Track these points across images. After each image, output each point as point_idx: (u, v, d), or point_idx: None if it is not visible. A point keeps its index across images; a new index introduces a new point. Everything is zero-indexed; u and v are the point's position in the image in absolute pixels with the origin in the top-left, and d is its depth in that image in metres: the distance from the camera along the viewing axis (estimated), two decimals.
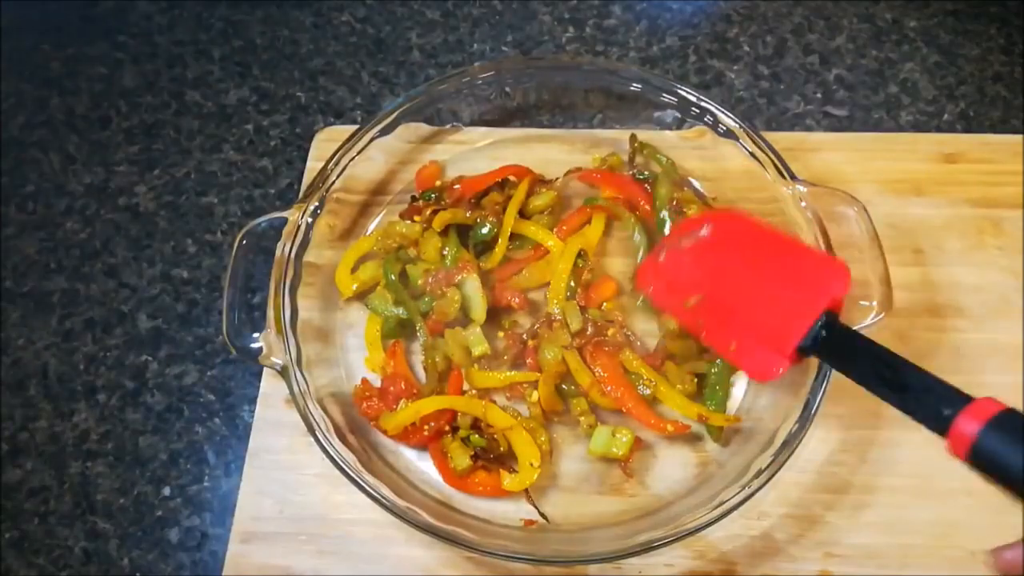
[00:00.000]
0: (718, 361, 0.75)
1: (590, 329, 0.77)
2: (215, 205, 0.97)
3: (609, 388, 0.74)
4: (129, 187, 0.98)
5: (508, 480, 0.72)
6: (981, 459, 0.44)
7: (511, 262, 0.83)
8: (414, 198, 0.85)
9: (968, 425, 0.44)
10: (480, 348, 0.76)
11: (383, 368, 0.79)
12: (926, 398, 0.50)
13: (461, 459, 0.72)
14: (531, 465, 0.71)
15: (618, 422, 0.75)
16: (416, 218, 0.83)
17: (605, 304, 0.80)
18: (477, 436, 0.73)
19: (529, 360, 0.76)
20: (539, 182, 0.87)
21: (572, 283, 0.80)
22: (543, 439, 0.73)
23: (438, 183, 0.87)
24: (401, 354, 0.79)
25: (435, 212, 0.82)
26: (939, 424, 0.47)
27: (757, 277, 0.67)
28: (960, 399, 0.47)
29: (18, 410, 0.84)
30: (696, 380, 0.75)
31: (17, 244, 0.95)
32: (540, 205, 0.84)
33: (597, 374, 0.75)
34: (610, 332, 0.77)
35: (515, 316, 0.81)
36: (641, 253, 0.81)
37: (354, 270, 0.83)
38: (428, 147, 0.90)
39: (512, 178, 0.85)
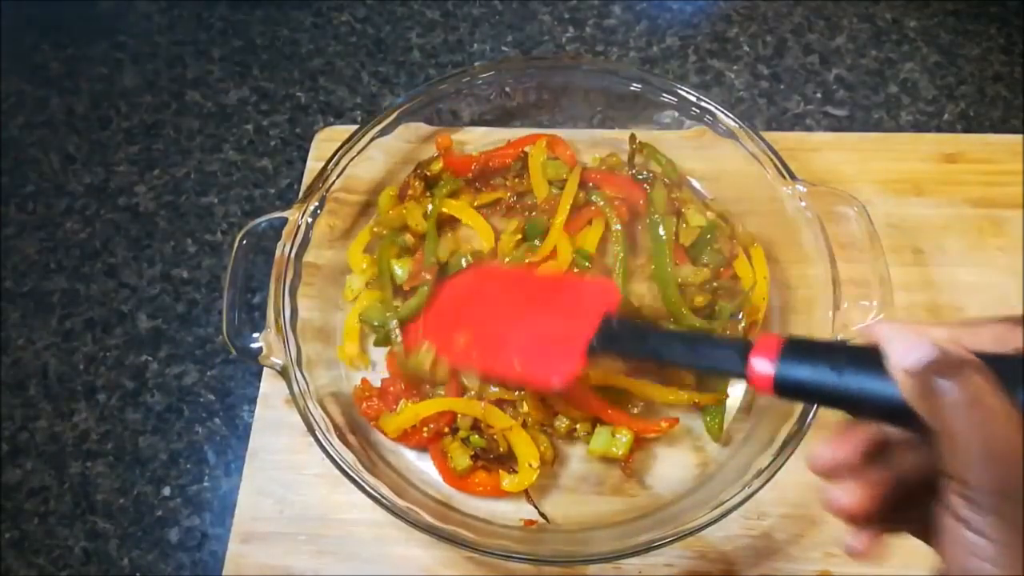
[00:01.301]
0: None
1: None
2: (215, 205, 0.97)
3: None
4: (129, 187, 0.98)
5: (507, 481, 0.72)
6: (787, 390, 0.46)
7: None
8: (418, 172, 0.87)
9: (761, 365, 0.46)
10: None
11: (353, 361, 0.80)
12: (718, 355, 0.53)
13: (461, 459, 0.72)
14: (530, 466, 0.71)
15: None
16: (410, 192, 0.85)
17: None
18: (477, 436, 0.73)
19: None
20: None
21: None
22: (545, 446, 0.73)
23: (437, 165, 0.88)
24: (395, 360, 0.79)
25: (427, 189, 0.85)
26: (737, 373, 0.49)
27: (530, 305, 0.71)
28: (745, 344, 0.49)
29: (18, 410, 0.84)
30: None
31: (17, 244, 0.95)
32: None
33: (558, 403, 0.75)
34: None
35: None
36: (618, 267, 0.81)
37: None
38: (428, 147, 0.90)
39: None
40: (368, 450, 0.74)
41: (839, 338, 0.69)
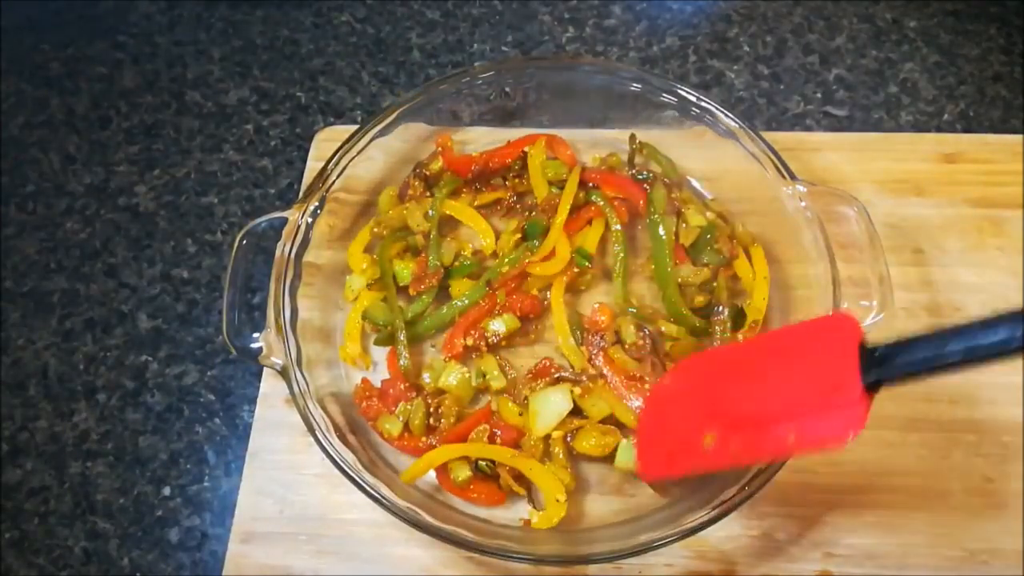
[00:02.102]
0: None
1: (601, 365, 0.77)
2: (215, 205, 0.97)
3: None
4: (129, 187, 0.98)
5: (536, 518, 0.70)
6: None
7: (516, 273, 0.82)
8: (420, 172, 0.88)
9: None
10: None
11: (355, 361, 0.80)
12: (1003, 333, 0.48)
13: (461, 472, 0.72)
14: (557, 501, 0.69)
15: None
16: (410, 192, 0.85)
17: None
18: (488, 464, 0.73)
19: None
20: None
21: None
22: (567, 478, 0.71)
23: (437, 165, 0.88)
24: (396, 360, 0.79)
25: (427, 188, 0.86)
26: None
27: (769, 372, 0.62)
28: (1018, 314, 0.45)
29: (18, 410, 0.84)
30: None
31: (17, 244, 0.95)
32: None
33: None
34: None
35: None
36: (618, 267, 0.81)
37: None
38: (428, 147, 0.90)
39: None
40: (368, 450, 0.74)
41: None
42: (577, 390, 0.74)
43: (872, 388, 0.54)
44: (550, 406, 0.73)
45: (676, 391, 0.69)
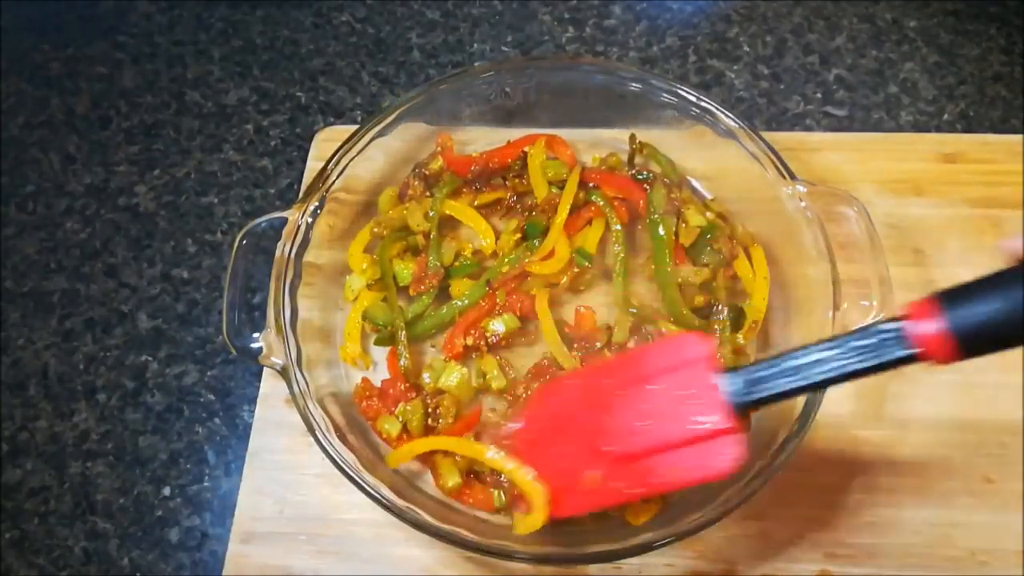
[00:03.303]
0: (719, 356, 0.75)
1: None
2: (215, 205, 0.97)
3: None
4: (129, 187, 0.98)
5: (521, 523, 0.67)
6: (971, 341, 0.42)
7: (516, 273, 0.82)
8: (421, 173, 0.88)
9: (928, 327, 0.42)
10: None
11: (355, 361, 0.80)
12: (874, 347, 0.47)
13: (451, 476, 0.72)
14: (541, 506, 0.65)
15: None
16: (410, 192, 0.86)
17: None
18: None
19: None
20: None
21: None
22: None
23: (436, 164, 0.88)
24: (396, 360, 0.79)
25: (427, 188, 0.86)
26: (907, 357, 0.44)
27: (631, 402, 0.58)
28: (895, 321, 0.44)
29: (18, 410, 0.84)
30: None
31: (17, 244, 0.95)
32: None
33: None
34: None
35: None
36: (618, 267, 0.81)
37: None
38: (428, 147, 0.90)
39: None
40: (368, 450, 0.74)
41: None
42: None
43: (742, 414, 0.53)
44: None
45: (542, 429, 0.65)
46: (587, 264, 0.81)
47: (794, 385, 0.52)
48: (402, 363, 0.78)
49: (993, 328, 0.41)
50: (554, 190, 0.85)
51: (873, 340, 0.47)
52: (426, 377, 0.77)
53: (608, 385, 0.61)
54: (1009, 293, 0.39)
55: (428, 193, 0.87)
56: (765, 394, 0.53)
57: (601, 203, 0.84)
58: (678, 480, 0.56)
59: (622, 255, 0.81)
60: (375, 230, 0.85)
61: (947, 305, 0.42)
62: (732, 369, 0.54)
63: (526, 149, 0.88)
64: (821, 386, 0.52)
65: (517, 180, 0.87)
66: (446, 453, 0.73)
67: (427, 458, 0.74)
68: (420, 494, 0.73)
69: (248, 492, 0.75)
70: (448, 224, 0.87)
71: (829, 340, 0.51)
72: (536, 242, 0.82)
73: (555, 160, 0.87)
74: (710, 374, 0.54)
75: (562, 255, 0.81)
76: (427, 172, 0.87)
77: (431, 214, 0.84)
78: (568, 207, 0.82)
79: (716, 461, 0.54)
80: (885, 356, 0.47)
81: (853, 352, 0.49)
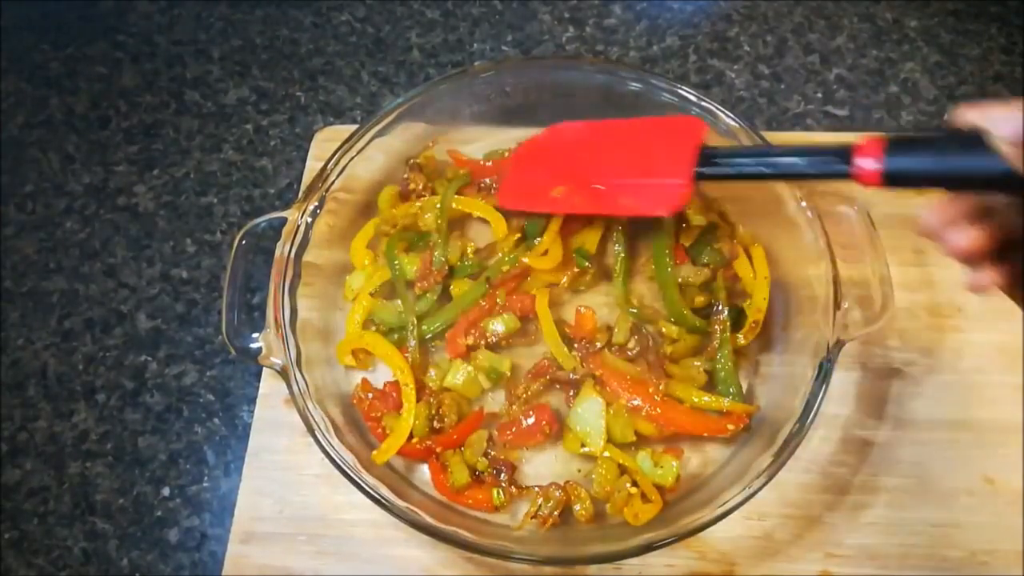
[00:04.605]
0: (719, 356, 0.75)
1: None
2: (215, 205, 0.96)
3: (658, 411, 0.73)
4: (128, 187, 0.98)
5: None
6: (895, 181, 0.52)
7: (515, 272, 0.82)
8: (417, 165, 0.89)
9: (868, 163, 0.52)
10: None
11: (347, 359, 0.80)
12: (824, 160, 0.58)
13: (461, 475, 0.72)
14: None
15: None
16: (412, 187, 0.86)
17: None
18: (483, 460, 0.73)
19: (544, 421, 0.75)
20: None
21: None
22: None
23: (428, 154, 0.89)
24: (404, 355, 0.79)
25: (428, 180, 0.86)
26: (844, 173, 0.55)
27: (618, 148, 0.75)
28: (849, 147, 0.54)
29: (18, 410, 0.84)
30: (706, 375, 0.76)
31: (17, 244, 0.95)
32: None
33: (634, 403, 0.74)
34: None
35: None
36: (619, 267, 0.81)
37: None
38: (428, 147, 0.90)
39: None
40: (368, 450, 0.74)
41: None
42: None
43: (697, 177, 0.67)
44: (591, 417, 0.73)
45: (544, 145, 0.82)
46: (587, 264, 0.81)
47: (750, 170, 0.66)
48: (408, 357, 0.77)
49: (914, 178, 0.51)
50: None
51: (825, 157, 0.58)
52: (432, 374, 0.77)
53: (607, 132, 0.78)
54: (938, 156, 0.49)
55: (429, 185, 0.87)
56: (724, 170, 0.67)
57: None
58: (627, 207, 0.73)
59: (623, 255, 0.81)
60: (382, 227, 0.85)
61: (890, 151, 0.51)
62: (706, 147, 0.68)
63: None
64: (772, 177, 0.70)
65: None
66: (455, 451, 0.74)
67: (428, 457, 0.74)
68: (420, 494, 0.73)
69: (248, 492, 0.75)
70: (453, 224, 0.86)
71: (790, 147, 0.64)
72: (536, 241, 0.82)
73: None
74: (693, 144, 0.68)
75: (555, 254, 0.81)
76: (420, 163, 0.87)
77: (438, 207, 0.83)
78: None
79: (660, 204, 0.69)
80: (828, 168, 0.58)
81: (806, 159, 0.60)
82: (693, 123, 0.73)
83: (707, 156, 0.67)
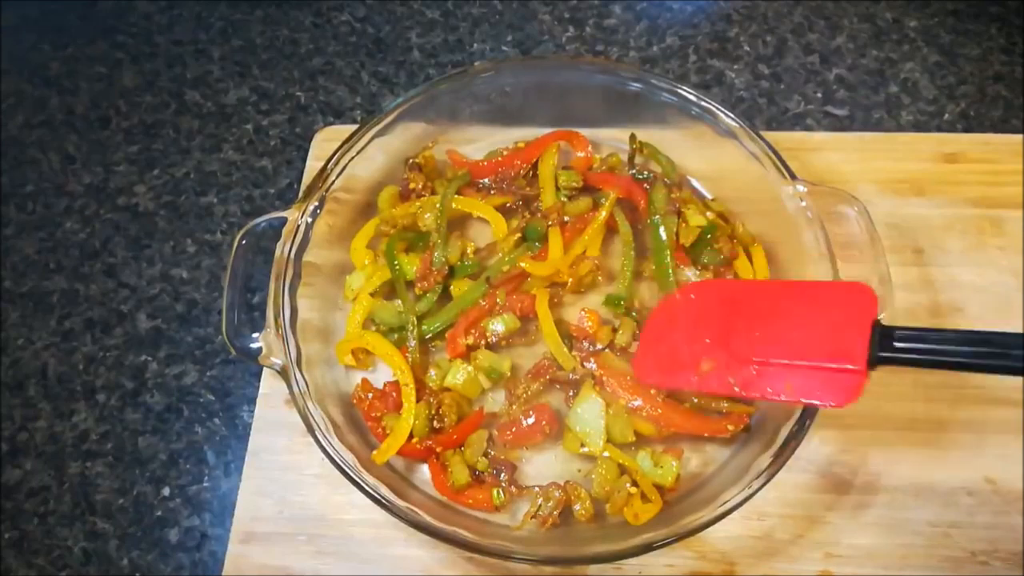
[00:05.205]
0: None
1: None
2: (215, 205, 0.97)
3: (658, 411, 0.73)
4: (129, 187, 0.98)
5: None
6: None
7: (515, 274, 0.82)
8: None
9: None
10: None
11: (346, 358, 0.79)
12: (1010, 351, 0.53)
13: (461, 475, 0.72)
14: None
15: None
16: (412, 186, 0.86)
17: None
18: (484, 460, 0.73)
19: (544, 421, 0.75)
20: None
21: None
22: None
23: (427, 153, 0.88)
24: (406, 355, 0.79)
25: (428, 180, 0.86)
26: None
27: (778, 315, 0.65)
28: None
29: (18, 410, 0.84)
30: None
31: (17, 244, 0.95)
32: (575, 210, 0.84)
33: (634, 405, 0.73)
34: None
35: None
36: (627, 271, 0.81)
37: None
38: (428, 147, 0.90)
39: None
40: (368, 450, 0.74)
41: None
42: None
43: (874, 363, 0.58)
44: (591, 417, 0.73)
45: (686, 309, 0.72)
46: (620, 308, 0.80)
47: (952, 360, 0.57)
48: (409, 357, 0.77)
49: None
50: (562, 197, 0.85)
51: (1013, 346, 0.53)
52: (432, 374, 0.77)
53: (762, 295, 0.69)
54: None
55: (429, 185, 0.87)
56: (912, 356, 0.58)
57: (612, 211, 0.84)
58: (790, 392, 0.62)
59: (632, 256, 0.81)
60: (382, 228, 0.85)
61: None
62: (883, 326, 0.59)
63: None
64: (950, 367, 0.58)
65: (525, 182, 0.87)
66: (455, 451, 0.74)
67: (428, 457, 0.74)
68: (420, 494, 0.73)
69: (248, 492, 0.75)
70: (453, 225, 0.87)
71: (981, 333, 0.57)
72: (537, 244, 0.82)
73: (570, 171, 0.86)
74: (865, 321, 0.59)
75: (554, 257, 0.81)
76: (420, 162, 0.87)
77: (438, 207, 0.84)
78: (562, 216, 0.83)
79: (830, 393, 0.60)
80: (1015, 362, 0.53)
81: (994, 346, 0.54)
82: (862, 292, 0.62)
83: (886, 337, 0.58)
